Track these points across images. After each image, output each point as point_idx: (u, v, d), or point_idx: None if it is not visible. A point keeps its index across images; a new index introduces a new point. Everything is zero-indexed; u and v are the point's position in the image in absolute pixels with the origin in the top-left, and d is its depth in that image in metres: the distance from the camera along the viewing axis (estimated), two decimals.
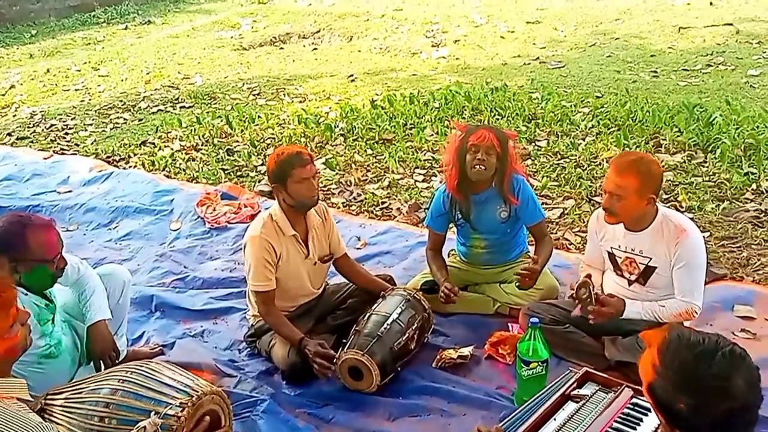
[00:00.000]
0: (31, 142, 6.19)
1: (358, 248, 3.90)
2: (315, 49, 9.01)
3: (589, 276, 2.82)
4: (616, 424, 2.07)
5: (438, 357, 2.90)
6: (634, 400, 2.19)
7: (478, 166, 2.99)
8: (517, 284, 2.97)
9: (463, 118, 5.72)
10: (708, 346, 1.39)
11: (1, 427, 1.52)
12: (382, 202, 4.51)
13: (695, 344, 1.40)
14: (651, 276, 2.68)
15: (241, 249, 3.93)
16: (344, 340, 2.82)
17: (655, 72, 6.78)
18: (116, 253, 4.03)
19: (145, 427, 1.90)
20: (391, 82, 7.20)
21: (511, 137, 3.10)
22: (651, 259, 2.65)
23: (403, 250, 3.85)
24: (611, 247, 2.78)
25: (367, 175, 4.93)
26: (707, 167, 4.55)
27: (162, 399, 2.01)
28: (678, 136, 4.93)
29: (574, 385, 2.29)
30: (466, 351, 2.89)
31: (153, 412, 1.94)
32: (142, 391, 2.03)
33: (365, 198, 4.59)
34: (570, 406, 2.21)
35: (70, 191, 4.90)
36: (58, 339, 2.50)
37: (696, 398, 1.37)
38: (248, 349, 3.08)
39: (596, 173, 4.57)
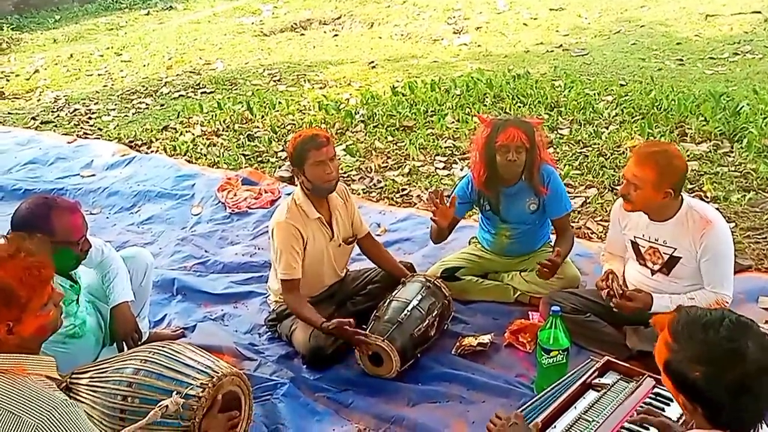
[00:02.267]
0: (55, 126, 6.25)
1: (378, 235, 3.89)
2: (336, 35, 8.98)
3: (611, 271, 2.79)
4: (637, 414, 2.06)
5: (457, 344, 2.90)
6: (656, 390, 2.18)
7: (509, 167, 2.98)
8: (537, 273, 2.95)
9: (485, 105, 5.67)
10: (715, 316, 1.44)
11: (27, 403, 1.55)
12: (402, 189, 4.50)
13: (702, 316, 1.45)
14: (675, 266, 2.64)
15: (261, 234, 4.00)
16: (364, 326, 2.82)
17: (681, 60, 6.68)
18: (138, 236, 4.06)
19: (167, 406, 1.92)
20: (412, 69, 7.16)
21: (536, 125, 3.06)
22: (675, 249, 2.61)
23: (423, 237, 3.84)
24: (634, 236, 2.74)
25: (387, 162, 4.92)
26: (733, 157, 4.47)
27: (183, 379, 2.03)
28: (704, 125, 4.85)
29: (595, 374, 2.27)
30: (486, 338, 2.88)
31: (175, 392, 1.96)
32: (165, 371, 2.05)
33: (385, 185, 4.58)
34: (591, 395, 2.20)
35: (93, 175, 4.94)
36: (83, 319, 2.53)
37: (709, 365, 1.39)
38: (268, 334, 3.10)
39: (619, 162, 4.52)
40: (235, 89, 6.96)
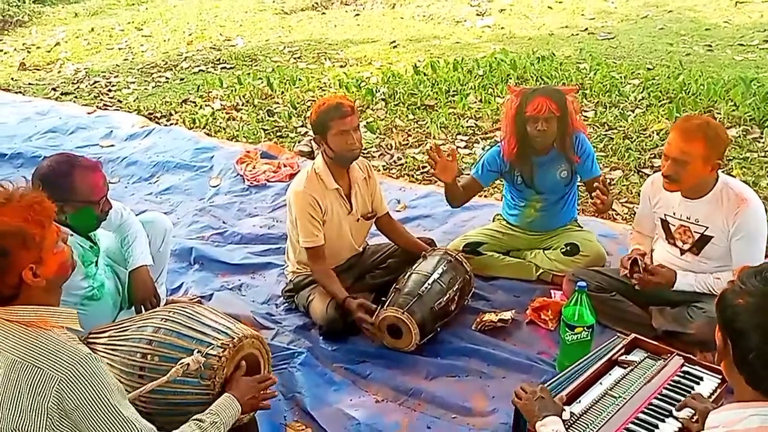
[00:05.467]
0: (75, 97, 6.24)
1: (398, 210, 3.85)
2: (357, 15, 8.89)
3: (638, 250, 2.72)
4: (666, 391, 2.00)
5: (478, 320, 2.85)
6: (685, 368, 2.12)
7: (540, 137, 2.92)
8: (593, 202, 2.80)
9: (508, 86, 5.57)
10: None
11: (50, 356, 1.51)
12: (423, 167, 4.43)
13: None
14: (706, 246, 2.57)
15: (279, 207, 3.96)
16: (383, 298, 2.78)
17: (710, 46, 6.53)
18: (156, 206, 4.03)
19: (188, 363, 1.88)
20: (434, 49, 7.07)
21: (568, 92, 2.98)
22: (707, 228, 2.54)
23: (443, 215, 3.79)
24: (665, 214, 2.67)
25: (408, 140, 4.86)
26: (763, 142, 4.37)
27: (204, 339, 1.99)
28: (733, 110, 4.74)
29: (622, 350, 2.22)
30: (507, 315, 2.83)
31: (196, 351, 1.93)
32: (185, 330, 2.02)
33: (406, 162, 4.53)
34: (617, 372, 2.15)
35: (112, 145, 4.92)
36: (101, 281, 2.51)
37: (752, 297, 1.30)
38: (285, 304, 3.06)
39: (645, 145, 4.43)
40: (255, 65, 6.91)
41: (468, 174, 3.31)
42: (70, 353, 1.53)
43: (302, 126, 5.19)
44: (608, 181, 4.02)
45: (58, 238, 1.61)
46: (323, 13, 9.08)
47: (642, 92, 5.27)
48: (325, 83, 6.15)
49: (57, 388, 1.49)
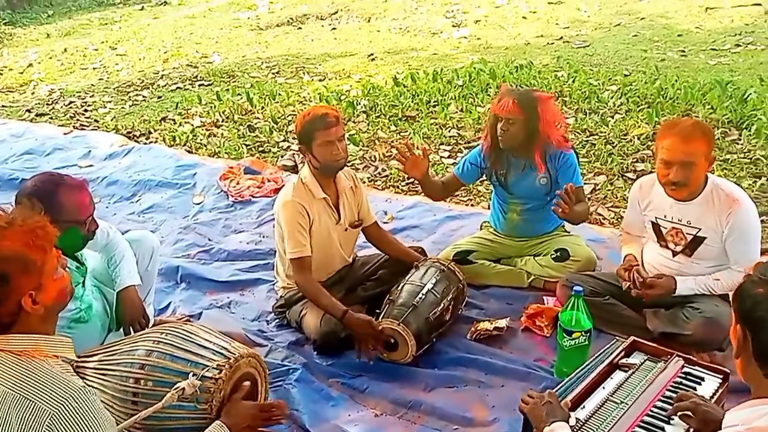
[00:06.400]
0: (51, 118, 6.13)
1: (385, 222, 3.82)
2: (333, 29, 8.90)
3: (633, 258, 2.72)
4: (669, 393, 1.99)
5: (473, 329, 2.82)
6: (686, 369, 2.12)
7: (501, 137, 2.93)
8: (554, 209, 2.72)
9: (488, 95, 5.61)
10: None
11: (43, 388, 1.44)
12: (408, 178, 4.41)
13: None
14: (699, 247, 2.57)
15: (266, 222, 3.91)
16: (377, 310, 2.74)
17: (683, 51, 6.64)
18: (140, 225, 3.96)
19: (184, 388, 1.83)
20: (412, 61, 7.09)
21: (543, 99, 2.94)
22: (700, 229, 2.54)
23: (431, 224, 3.77)
24: (656, 217, 2.67)
25: (391, 151, 4.84)
26: (742, 144, 4.43)
27: (199, 361, 1.94)
28: (711, 113, 4.81)
29: (622, 354, 2.21)
30: (502, 323, 2.81)
31: (191, 374, 1.87)
32: (178, 352, 1.97)
33: (391, 173, 4.51)
34: (618, 375, 2.13)
35: (91, 165, 4.84)
36: (89, 303, 2.44)
37: None
38: (277, 320, 3.01)
39: (627, 149, 4.47)
40: (234, 81, 6.87)
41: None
42: (63, 386, 1.46)
43: (284, 141, 5.15)
44: (593, 186, 4.06)
45: (58, 264, 1.55)
46: (299, 28, 9.07)
47: (620, 98, 5.32)
48: (304, 97, 6.13)
49: (48, 423, 1.41)
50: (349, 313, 2.65)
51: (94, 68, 7.77)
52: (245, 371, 2.01)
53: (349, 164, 4.52)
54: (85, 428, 1.44)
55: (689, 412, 1.81)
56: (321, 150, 2.75)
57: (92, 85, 7.08)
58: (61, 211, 2.19)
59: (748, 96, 4.88)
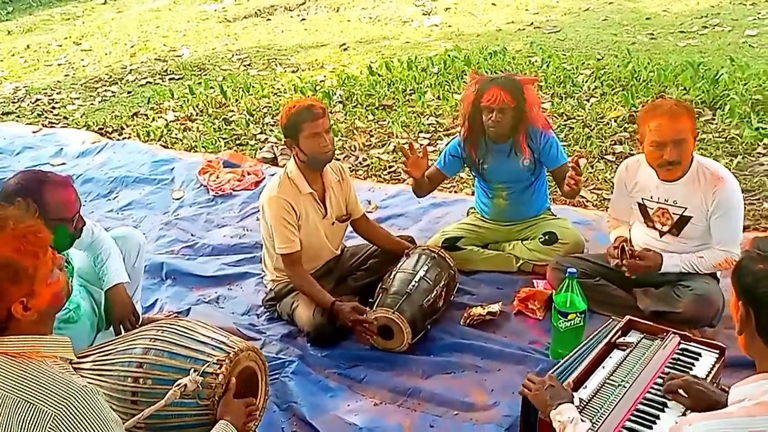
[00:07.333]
0: (17, 116, 5.99)
1: (369, 211, 3.79)
2: (303, 20, 8.81)
3: (623, 239, 2.74)
4: (668, 369, 2.02)
5: (466, 315, 2.83)
6: (683, 346, 2.15)
7: (493, 127, 2.93)
8: (566, 187, 2.80)
9: (464, 82, 5.60)
10: None
11: (43, 390, 1.39)
12: (390, 166, 4.41)
13: None
14: (685, 227, 2.60)
15: (248, 215, 3.87)
16: (370, 300, 2.73)
17: (652, 34, 6.72)
18: (119, 222, 3.89)
19: (185, 385, 1.79)
20: (384, 50, 7.06)
21: (527, 83, 2.97)
22: (686, 209, 2.57)
23: (416, 212, 3.77)
24: (642, 198, 2.70)
25: (371, 141, 4.82)
26: (716, 124, 4.50)
27: (198, 356, 1.91)
28: (684, 94, 4.87)
29: (618, 333, 2.23)
30: (495, 307, 2.82)
31: (192, 370, 1.84)
32: (177, 349, 1.93)
33: (372, 163, 4.49)
34: (617, 354, 2.15)
35: (63, 163, 4.72)
36: (77, 303, 2.38)
37: None
38: (267, 314, 2.98)
39: (605, 132, 4.51)
40: (205, 74, 6.76)
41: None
42: (64, 386, 1.40)
43: (261, 133, 5.09)
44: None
45: (53, 266, 1.49)
46: (268, 20, 8.96)
47: (595, 81, 5.37)
48: (278, 89, 6.06)
49: (50, 425, 1.35)
50: (336, 303, 2.64)
51: (59, 64, 7.58)
52: (245, 365, 1.98)
53: None
54: (90, 429, 1.39)
55: (682, 391, 1.84)
56: (308, 142, 2.72)
57: (58, 81, 6.91)
58: (47, 209, 2.12)
59: (719, 76, 4.96)
